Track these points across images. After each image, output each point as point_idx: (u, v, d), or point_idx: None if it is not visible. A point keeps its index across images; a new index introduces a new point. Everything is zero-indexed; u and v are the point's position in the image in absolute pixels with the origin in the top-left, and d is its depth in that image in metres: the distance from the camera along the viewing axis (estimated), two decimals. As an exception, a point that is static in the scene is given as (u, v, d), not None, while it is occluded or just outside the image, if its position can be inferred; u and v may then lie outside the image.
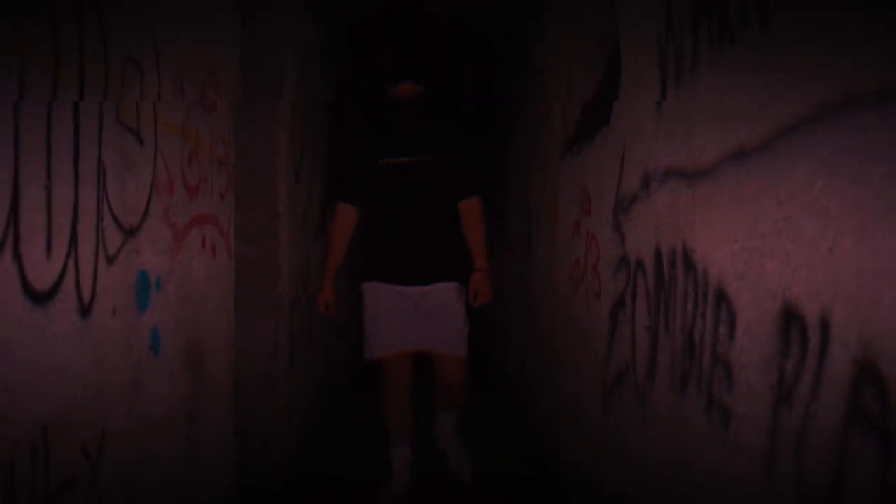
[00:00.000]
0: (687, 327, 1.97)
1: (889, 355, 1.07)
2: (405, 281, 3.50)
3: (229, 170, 2.76)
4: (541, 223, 4.56)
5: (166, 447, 2.11)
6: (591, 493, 3.14)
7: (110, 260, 1.73)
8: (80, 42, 1.57)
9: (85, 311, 1.60)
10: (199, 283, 2.39)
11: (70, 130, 1.53)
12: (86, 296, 1.60)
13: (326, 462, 4.22)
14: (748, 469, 1.57)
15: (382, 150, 3.53)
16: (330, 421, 5.12)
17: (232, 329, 2.79)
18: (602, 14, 3.06)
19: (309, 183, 4.38)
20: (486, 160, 7.34)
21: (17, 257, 1.33)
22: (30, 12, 1.37)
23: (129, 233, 1.84)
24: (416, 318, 3.53)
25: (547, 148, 4.37)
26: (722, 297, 1.73)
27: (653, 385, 2.26)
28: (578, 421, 3.37)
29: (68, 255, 1.52)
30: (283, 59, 3.64)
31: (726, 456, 1.70)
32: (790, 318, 1.38)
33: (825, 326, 1.26)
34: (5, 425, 1.30)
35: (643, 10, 2.39)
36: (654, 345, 2.27)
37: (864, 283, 1.14)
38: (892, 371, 1.07)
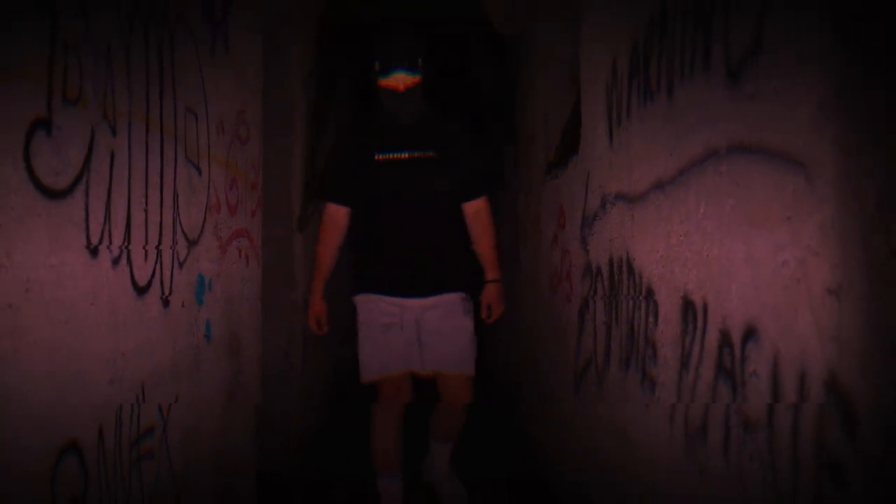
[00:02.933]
0: (629, 319, 2.49)
1: (734, 325, 1.59)
2: (403, 292, 3.18)
3: (258, 192, 3.29)
4: (527, 235, 5.09)
5: (211, 416, 2.62)
6: (566, 481, 3.66)
7: (181, 265, 2.25)
8: (161, 103, 2.10)
9: (166, 302, 2.12)
10: (236, 286, 2.91)
11: (158, 168, 2.05)
12: (166, 291, 2.12)
13: (331, 456, 4.60)
14: (664, 421, 2.08)
15: (375, 145, 3.20)
16: (333, 418, 5.61)
17: (259, 325, 3.31)
18: (574, 48, 3.60)
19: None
20: (490, 157, 6.89)
21: (129, 261, 1.85)
22: (137, 90, 1.90)
23: (192, 244, 2.36)
24: (418, 334, 3.21)
25: (532, 169, 4.90)
26: (650, 294, 2.25)
27: (608, 368, 2.78)
28: (555, 408, 3.89)
29: (156, 261, 2.04)
30: (294, 90, 4.16)
31: (651, 415, 2.21)
32: (687, 305, 1.90)
33: (705, 310, 1.78)
34: (122, 380, 1.82)
35: (598, 55, 2.92)
36: (608, 335, 2.79)
37: (721, 278, 1.66)
38: (736, 336, 1.58)
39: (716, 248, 1.71)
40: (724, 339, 1.66)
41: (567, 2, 4.00)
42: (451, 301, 3.26)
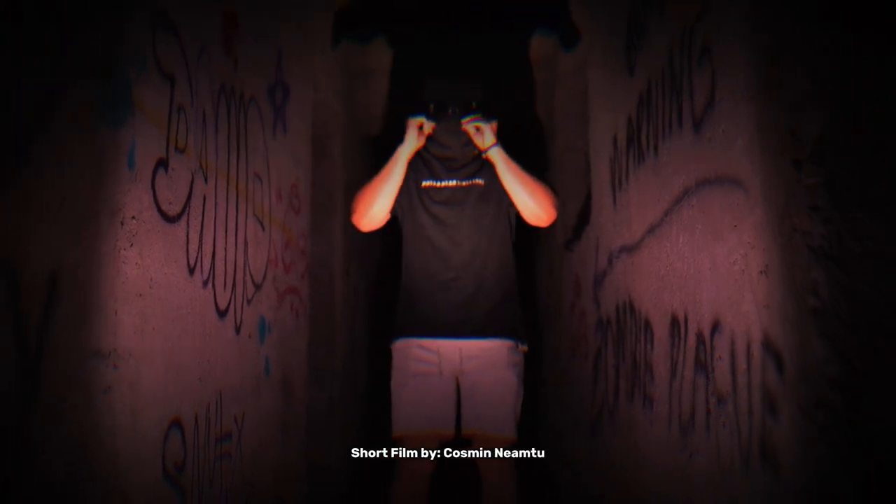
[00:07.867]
0: (632, 352, 2.85)
1: (705, 325, 1.97)
2: (441, 332, 2.97)
3: (307, 258, 3.73)
4: (549, 309, 5.47)
5: (270, 443, 2.99)
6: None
7: (248, 302, 2.67)
8: (237, 165, 2.56)
9: (238, 329, 2.53)
10: (288, 335, 3.31)
11: (234, 216, 2.50)
12: (238, 321, 2.53)
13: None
14: (661, 429, 2.42)
15: (422, 172, 3.10)
16: (359, 477, 5.88)
17: (306, 376, 3.69)
18: (586, 136, 4.06)
19: (356, 278, 5.34)
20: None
21: (213, 288, 2.27)
22: (221, 151, 2.36)
23: (257, 287, 2.79)
24: (456, 386, 3.00)
25: (552, 251, 5.33)
26: (648, 324, 2.62)
27: (617, 403, 3.12)
28: (575, 455, 4.19)
29: (232, 292, 2.46)
30: (336, 178, 4.65)
31: (653, 429, 2.55)
32: (673, 322, 2.28)
33: (686, 320, 2.15)
34: (207, 382, 2.21)
35: (602, 134, 3.38)
36: (617, 375, 3.14)
37: (695, 291, 2.05)
38: (706, 333, 1.96)
39: (691, 268, 2.10)
40: (699, 338, 2.03)
41: (579, 97, 4.50)
42: (497, 351, 3.01)
